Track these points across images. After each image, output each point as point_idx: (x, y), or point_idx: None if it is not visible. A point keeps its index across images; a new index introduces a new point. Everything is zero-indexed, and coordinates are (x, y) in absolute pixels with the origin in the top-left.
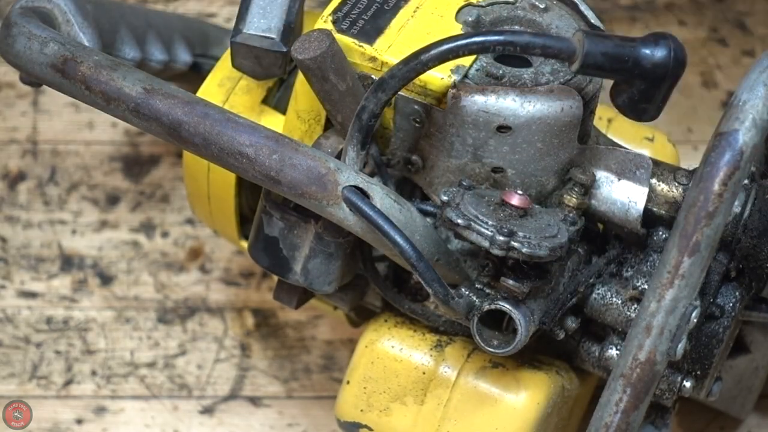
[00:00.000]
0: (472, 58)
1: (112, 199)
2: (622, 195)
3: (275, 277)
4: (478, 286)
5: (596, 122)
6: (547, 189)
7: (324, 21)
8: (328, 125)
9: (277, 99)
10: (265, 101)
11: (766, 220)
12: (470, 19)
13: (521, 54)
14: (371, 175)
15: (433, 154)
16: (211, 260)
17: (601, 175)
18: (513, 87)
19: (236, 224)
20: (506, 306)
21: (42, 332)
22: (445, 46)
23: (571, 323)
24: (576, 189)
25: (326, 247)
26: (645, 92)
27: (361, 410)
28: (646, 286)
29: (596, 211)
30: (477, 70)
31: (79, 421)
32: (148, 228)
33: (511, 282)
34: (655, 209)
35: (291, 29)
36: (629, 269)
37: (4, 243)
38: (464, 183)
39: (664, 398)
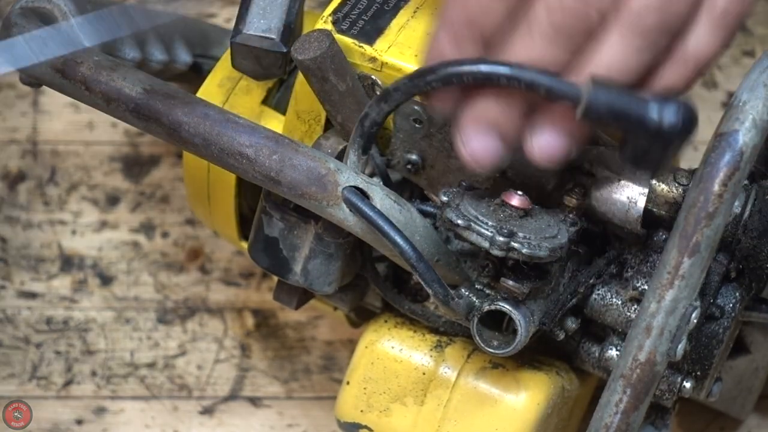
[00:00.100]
0: None
1: (112, 200)
2: (622, 195)
3: (275, 278)
4: (478, 286)
5: None
6: (547, 189)
7: (324, 21)
8: (328, 126)
9: (277, 99)
10: (265, 102)
11: (766, 220)
12: None
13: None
14: (371, 175)
15: (433, 155)
16: (211, 261)
17: (601, 175)
18: None
19: (236, 225)
20: (506, 307)
21: (42, 333)
22: (451, 70)
23: (571, 324)
24: (576, 189)
25: (326, 248)
26: (648, 151)
27: (361, 411)
28: (646, 287)
29: (596, 211)
30: None
31: (79, 422)
32: (148, 228)
33: (511, 283)
34: (655, 210)
35: (291, 30)
36: (629, 270)
37: (4, 243)
38: (464, 183)
39: (664, 399)
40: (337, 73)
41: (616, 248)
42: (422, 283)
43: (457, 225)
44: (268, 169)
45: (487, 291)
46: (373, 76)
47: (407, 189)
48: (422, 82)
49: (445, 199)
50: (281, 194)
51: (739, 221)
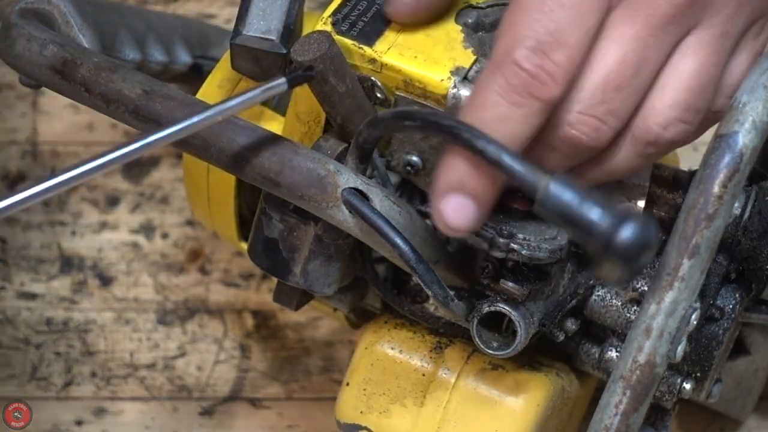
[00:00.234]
0: (472, 59)
1: (112, 201)
2: (622, 196)
3: (275, 279)
4: (477, 288)
5: None
6: None
7: (323, 23)
8: (328, 127)
9: (276, 101)
10: (264, 103)
11: (766, 222)
12: (470, 20)
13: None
14: (371, 177)
15: (433, 156)
16: (211, 261)
17: None
18: None
19: (236, 226)
20: (506, 308)
21: (42, 333)
22: (433, 120)
23: (571, 325)
24: None
25: (326, 249)
26: (598, 260)
27: (361, 412)
28: (645, 288)
29: None
30: (477, 72)
31: (79, 423)
32: (147, 229)
33: (510, 284)
34: (654, 211)
35: (291, 31)
36: None
37: (4, 244)
38: None
39: (664, 400)
40: (336, 74)
41: None
42: (422, 284)
43: None
44: (267, 171)
45: (487, 292)
46: (372, 78)
47: (407, 190)
48: (401, 125)
49: None
50: (281, 195)
51: (739, 223)
